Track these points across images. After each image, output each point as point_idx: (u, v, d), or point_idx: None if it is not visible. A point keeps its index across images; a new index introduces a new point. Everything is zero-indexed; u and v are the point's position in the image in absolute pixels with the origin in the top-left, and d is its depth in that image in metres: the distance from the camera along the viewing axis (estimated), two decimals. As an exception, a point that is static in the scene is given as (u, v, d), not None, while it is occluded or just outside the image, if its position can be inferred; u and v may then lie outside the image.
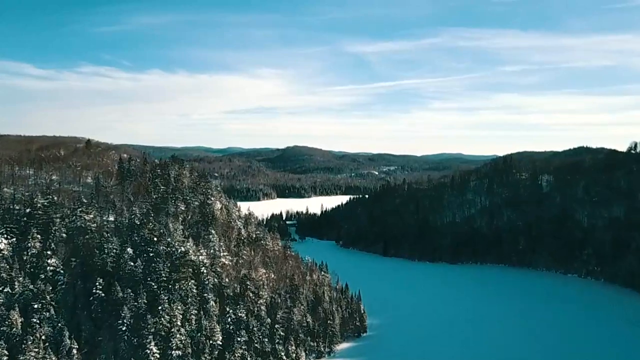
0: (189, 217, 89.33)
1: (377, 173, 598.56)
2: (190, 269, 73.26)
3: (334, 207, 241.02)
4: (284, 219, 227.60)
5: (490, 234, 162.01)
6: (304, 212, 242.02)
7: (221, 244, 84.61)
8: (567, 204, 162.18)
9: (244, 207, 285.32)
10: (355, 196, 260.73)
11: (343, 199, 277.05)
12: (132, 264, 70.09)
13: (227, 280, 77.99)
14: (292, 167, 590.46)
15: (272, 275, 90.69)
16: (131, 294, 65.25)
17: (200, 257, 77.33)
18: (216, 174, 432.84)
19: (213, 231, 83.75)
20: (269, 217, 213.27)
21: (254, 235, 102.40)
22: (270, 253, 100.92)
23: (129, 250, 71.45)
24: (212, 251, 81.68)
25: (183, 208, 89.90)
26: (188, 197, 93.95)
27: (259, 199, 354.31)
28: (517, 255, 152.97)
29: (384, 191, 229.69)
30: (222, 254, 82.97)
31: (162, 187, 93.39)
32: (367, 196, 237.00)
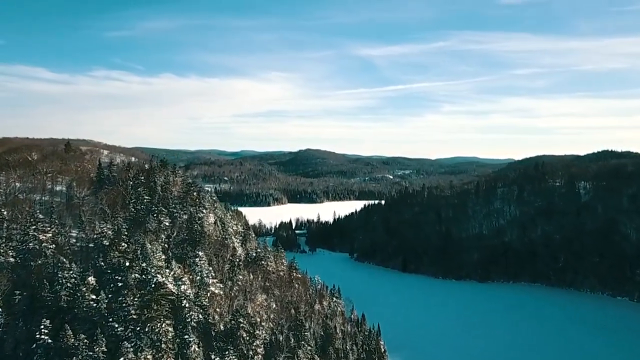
0: (174, 234, 74.61)
1: (391, 177, 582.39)
2: (168, 304, 58.38)
3: (347, 214, 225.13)
4: (293, 227, 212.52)
5: (523, 248, 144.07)
6: (315, 220, 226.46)
7: (210, 268, 69.61)
8: (610, 214, 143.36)
9: (253, 213, 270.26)
10: (369, 202, 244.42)
11: (357, 204, 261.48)
12: (93, 297, 55.49)
13: (215, 316, 62.94)
14: (304, 171, 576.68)
15: (274, 305, 75.42)
16: (85, 340, 50.49)
17: (183, 286, 62.37)
18: (226, 178, 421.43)
19: (201, 253, 68.73)
20: (277, 226, 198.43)
21: (254, 254, 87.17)
22: (273, 275, 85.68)
23: (91, 279, 56.75)
24: (198, 278, 66.76)
25: (167, 223, 75.16)
26: (175, 210, 79.32)
27: (269, 205, 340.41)
28: (556, 273, 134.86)
29: (401, 198, 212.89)
30: (211, 281, 67.91)
31: (146, 198, 79.00)
32: (382, 202, 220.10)
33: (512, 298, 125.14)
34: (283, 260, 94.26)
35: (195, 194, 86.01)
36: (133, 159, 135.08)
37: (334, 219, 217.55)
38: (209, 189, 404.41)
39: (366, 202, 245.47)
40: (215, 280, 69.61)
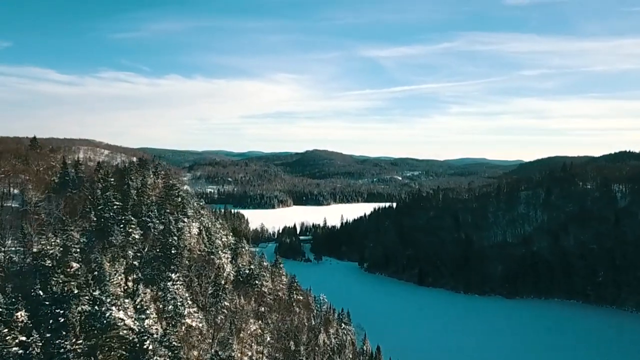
0: (145, 250, 60.40)
1: (400, 178, 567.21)
2: (124, 348, 44.12)
3: (356, 218, 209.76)
4: (297, 233, 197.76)
5: (555, 259, 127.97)
6: (321, 225, 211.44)
7: (188, 293, 55.28)
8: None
9: (256, 216, 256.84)
10: (379, 205, 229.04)
11: (365, 207, 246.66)
12: (22, 340, 41.41)
13: (191, 359, 48.52)
14: (310, 172, 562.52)
15: (268, 338, 60.94)
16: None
17: (147, 321, 48.00)
18: (230, 179, 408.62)
19: (174, 275, 54.37)
20: (280, 231, 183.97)
21: (247, 271, 72.68)
22: (269, 297, 71.27)
23: (21, 314, 42.76)
24: (170, 307, 52.49)
25: (138, 236, 60.91)
26: (149, 219, 65.17)
27: (273, 207, 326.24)
28: (595, 289, 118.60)
29: (414, 201, 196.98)
30: (187, 310, 53.58)
31: (117, 204, 64.96)
32: (394, 206, 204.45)
33: (546, 317, 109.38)
34: (282, 277, 79.72)
35: (177, 198, 71.89)
36: (134, 158, 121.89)
37: (342, 224, 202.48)
38: (212, 190, 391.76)
39: (376, 205, 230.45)
40: (193, 310, 55.17)
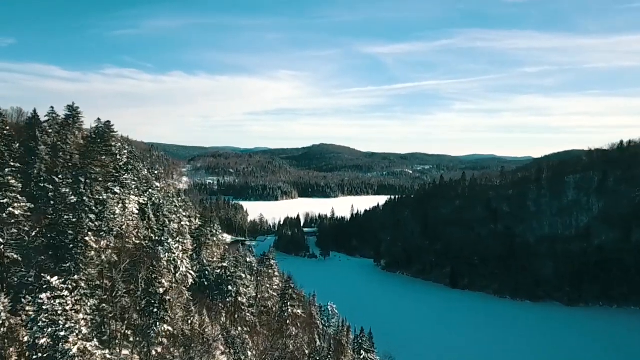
0: (33, 233, 35.24)
1: (411, 172, 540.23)
2: None
3: (368, 209, 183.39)
4: (301, 225, 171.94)
5: (626, 256, 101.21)
6: (329, 216, 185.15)
7: (82, 316, 29.87)
8: None
9: (256, 207, 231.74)
10: (393, 197, 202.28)
11: (377, 199, 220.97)
12: None
13: None
14: (317, 165, 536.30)
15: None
16: None
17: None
18: (231, 170, 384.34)
19: (55, 281, 28.99)
20: (281, 222, 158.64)
21: (218, 271, 47.01)
22: (249, 312, 46.00)
23: None
24: (43, 340, 27.22)
25: (18, 212, 35.63)
26: (51, 185, 40.16)
27: (276, 199, 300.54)
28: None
29: (436, 189, 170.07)
30: (75, 345, 28.33)
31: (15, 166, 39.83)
32: (412, 196, 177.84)
33: (624, 332, 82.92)
34: (274, 280, 54.24)
35: (107, 156, 46.36)
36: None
37: (352, 215, 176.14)
38: (211, 181, 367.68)
39: (389, 197, 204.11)
40: (91, 344, 29.69)
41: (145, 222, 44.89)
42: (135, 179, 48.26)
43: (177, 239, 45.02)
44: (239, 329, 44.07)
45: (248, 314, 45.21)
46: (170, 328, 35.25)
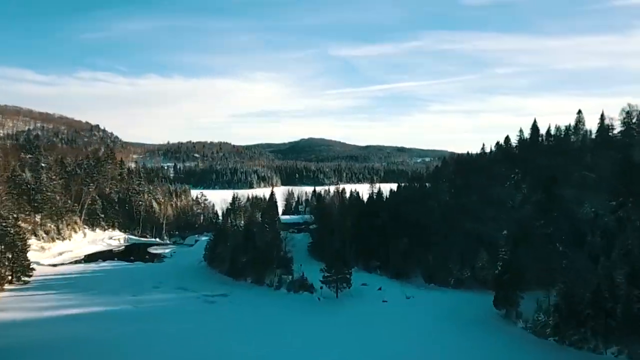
0: None
1: (411, 163, 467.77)
2: None
3: (392, 191, 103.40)
4: (277, 210, 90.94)
5: None
6: (326, 193, 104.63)
7: None
8: None
9: (221, 196, 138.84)
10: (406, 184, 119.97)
11: (385, 187, 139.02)
12: None
13: None
14: (306, 158, 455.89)
15: None
16: None
17: None
18: (196, 155, 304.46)
19: None
20: (233, 206, 79.22)
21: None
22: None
23: None
24: None
25: None
26: None
27: (251, 186, 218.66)
28: None
29: (533, 141, 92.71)
30: None
31: None
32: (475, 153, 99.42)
33: None
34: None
35: None
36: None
37: (371, 195, 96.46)
38: (168, 166, 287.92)
39: (402, 184, 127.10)
40: None
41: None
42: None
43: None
44: None
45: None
46: None
